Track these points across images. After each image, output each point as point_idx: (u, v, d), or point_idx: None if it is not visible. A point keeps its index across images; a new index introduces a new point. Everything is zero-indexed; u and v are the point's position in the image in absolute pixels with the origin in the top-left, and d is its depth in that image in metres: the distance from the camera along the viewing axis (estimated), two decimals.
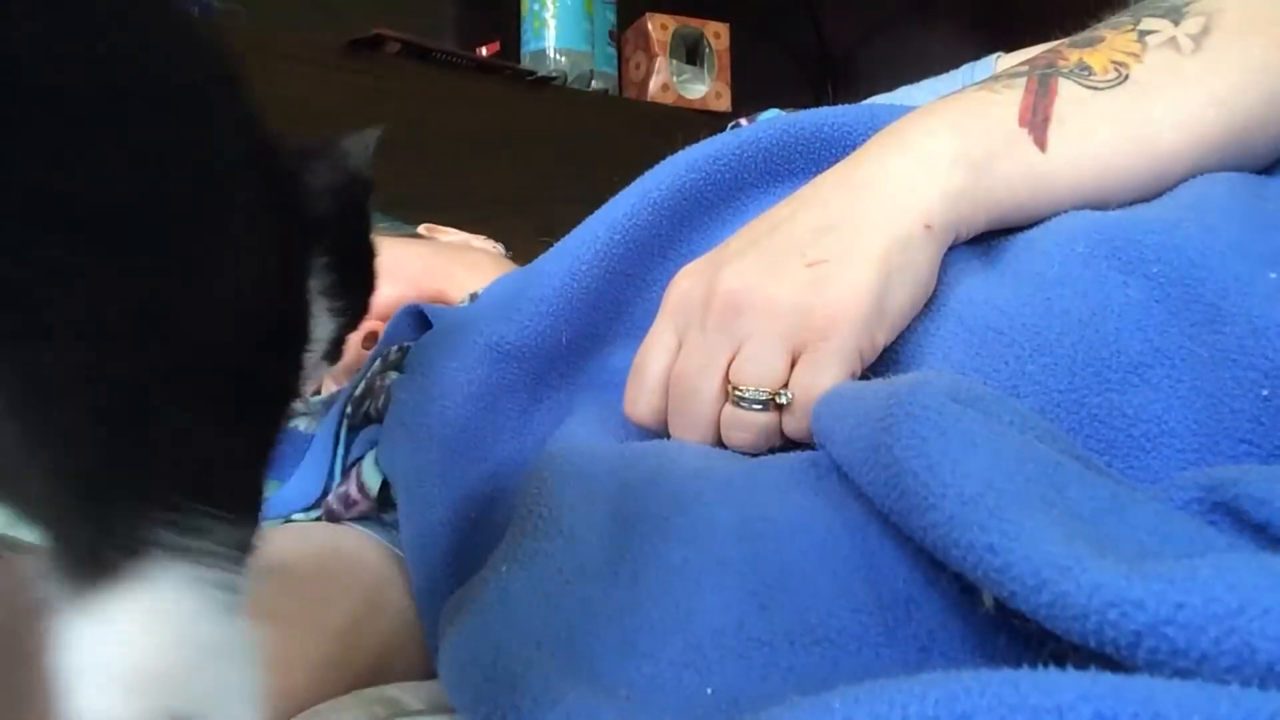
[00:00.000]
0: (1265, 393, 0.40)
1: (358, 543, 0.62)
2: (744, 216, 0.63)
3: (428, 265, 0.95)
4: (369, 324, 0.90)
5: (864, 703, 0.27)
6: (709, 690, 0.36)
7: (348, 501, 0.68)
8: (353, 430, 0.72)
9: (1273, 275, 0.42)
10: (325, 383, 0.90)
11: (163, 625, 0.20)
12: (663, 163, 0.66)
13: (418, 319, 0.77)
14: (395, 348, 0.74)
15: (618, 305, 0.66)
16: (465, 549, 0.57)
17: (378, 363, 0.73)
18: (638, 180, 0.66)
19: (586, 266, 0.64)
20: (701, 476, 0.45)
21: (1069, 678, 0.26)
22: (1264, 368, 0.40)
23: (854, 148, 0.58)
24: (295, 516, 0.70)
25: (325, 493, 0.70)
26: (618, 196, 0.67)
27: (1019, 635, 0.33)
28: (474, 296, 0.82)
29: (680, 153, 0.66)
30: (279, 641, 0.52)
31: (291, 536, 0.63)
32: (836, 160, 0.59)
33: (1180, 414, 0.42)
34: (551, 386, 0.65)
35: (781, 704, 0.29)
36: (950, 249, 0.51)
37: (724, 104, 2.21)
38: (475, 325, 0.65)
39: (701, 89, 2.21)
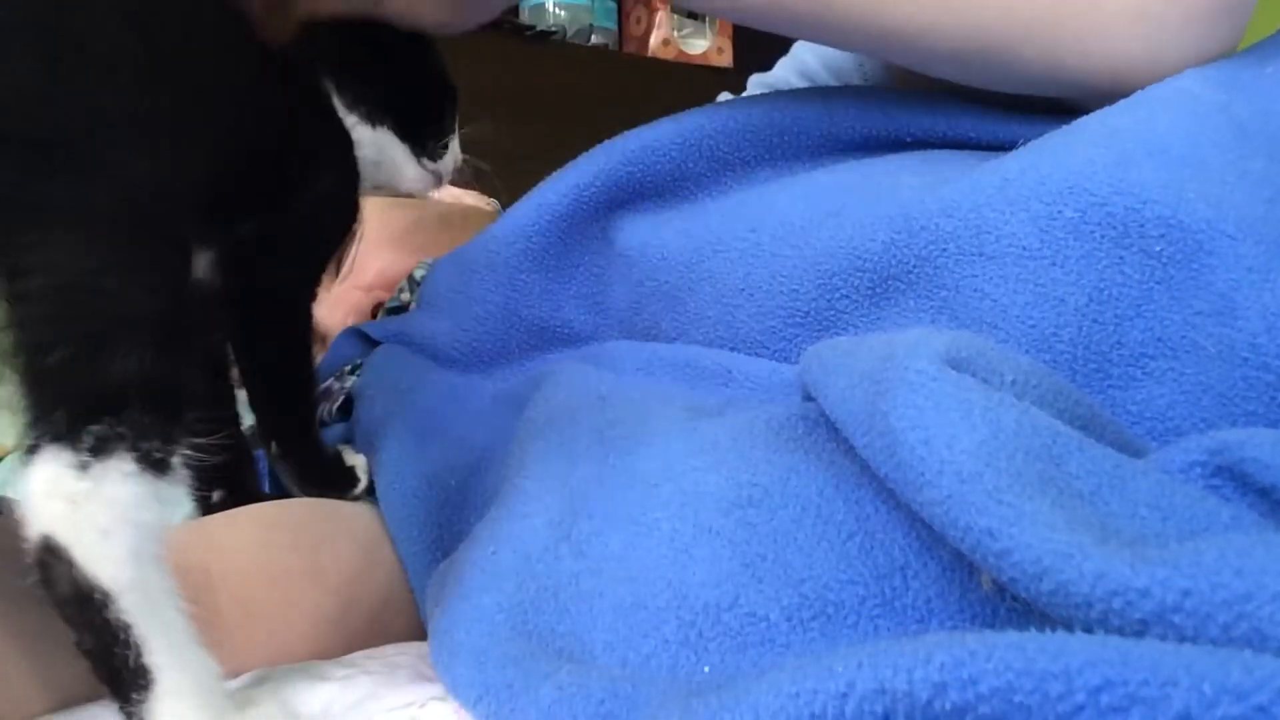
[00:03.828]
0: None
1: (352, 504, 0.62)
2: (688, 201, 0.63)
3: (428, 231, 0.95)
4: (374, 294, 0.90)
5: (868, 667, 0.27)
6: (706, 668, 0.36)
7: None
8: None
9: None
10: None
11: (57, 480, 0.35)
12: (598, 149, 0.66)
13: (360, 338, 0.79)
14: (347, 367, 0.77)
15: (564, 274, 0.67)
16: (448, 515, 0.57)
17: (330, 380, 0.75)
18: (565, 172, 0.66)
19: (525, 276, 0.66)
20: (688, 437, 0.45)
21: (1077, 641, 0.25)
22: None
23: (807, 135, 0.58)
24: None
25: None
26: (545, 189, 0.67)
27: (1020, 600, 0.33)
28: (413, 282, 0.83)
29: (619, 139, 0.65)
30: (278, 593, 0.52)
31: (290, 503, 0.63)
32: (790, 148, 0.59)
33: (1186, 410, 0.41)
34: (511, 365, 0.67)
35: (783, 668, 0.28)
36: (916, 213, 0.50)
37: (726, 60, 2.18)
38: (422, 341, 0.68)
39: (703, 44, 2.18)
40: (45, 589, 0.35)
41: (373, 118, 0.60)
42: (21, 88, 0.37)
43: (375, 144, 0.61)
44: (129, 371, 0.36)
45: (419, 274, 0.84)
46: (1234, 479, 0.33)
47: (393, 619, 0.58)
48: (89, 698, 0.43)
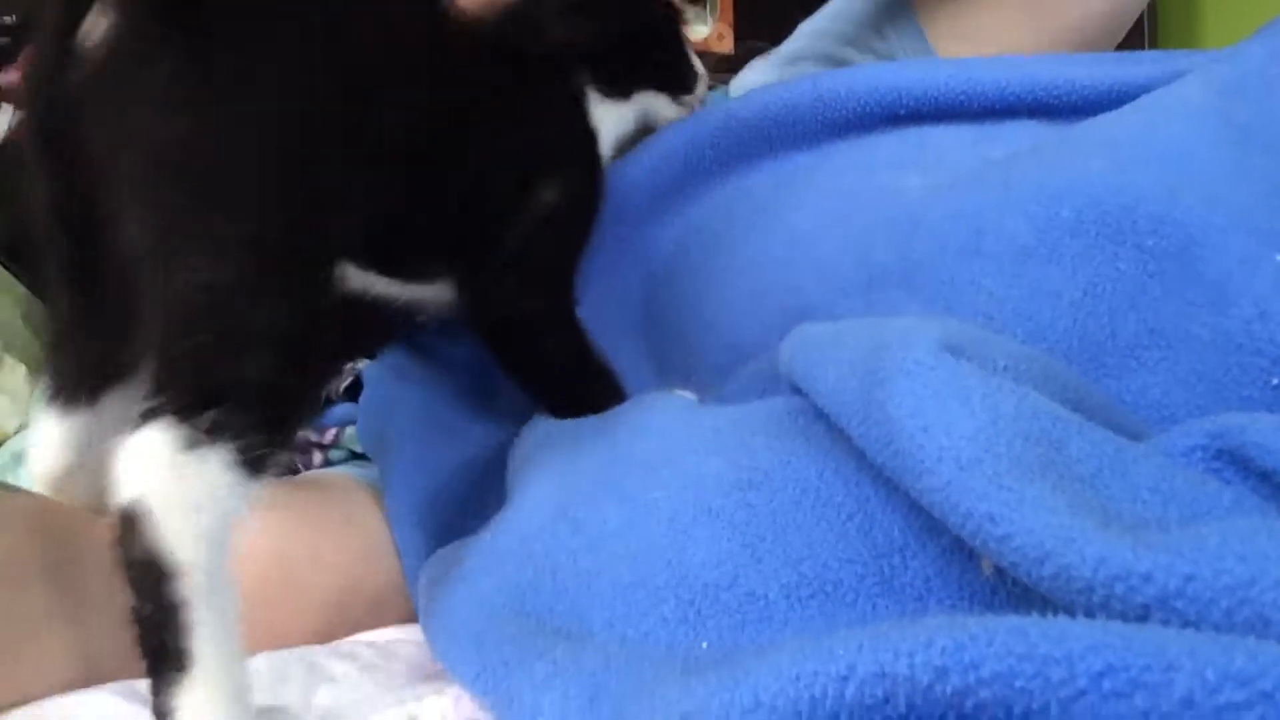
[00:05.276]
0: (1275, 381, 0.40)
1: (354, 490, 0.62)
2: (696, 205, 0.64)
3: None
4: None
5: (868, 650, 0.27)
6: (704, 645, 0.36)
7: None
8: None
9: (1279, 258, 0.41)
10: None
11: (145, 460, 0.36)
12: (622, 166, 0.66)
13: None
14: None
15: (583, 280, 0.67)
16: (451, 515, 0.57)
17: None
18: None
19: None
20: (689, 425, 0.45)
21: (1078, 626, 0.25)
22: (1273, 354, 0.40)
23: (802, 123, 0.60)
24: None
25: None
26: None
27: (1020, 584, 0.33)
28: None
29: (630, 163, 0.66)
30: (279, 576, 0.53)
31: (287, 484, 0.63)
32: (789, 138, 0.60)
33: (1181, 398, 0.42)
34: None
35: (783, 649, 0.28)
36: (921, 217, 0.51)
37: (726, 45, 2.17)
38: (441, 348, 0.68)
39: (704, 30, 2.17)
40: (120, 548, 0.36)
41: (629, 92, 0.61)
42: (191, 136, 0.39)
43: (635, 110, 0.63)
44: (252, 374, 0.38)
45: None
46: (1235, 463, 0.33)
47: (394, 605, 0.58)
48: (115, 676, 0.44)
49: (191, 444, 0.36)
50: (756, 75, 0.84)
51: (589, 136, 0.60)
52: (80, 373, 0.43)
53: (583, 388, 0.57)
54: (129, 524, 0.36)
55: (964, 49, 0.76)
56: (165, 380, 0.37)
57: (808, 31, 0.85)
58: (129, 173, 0.39)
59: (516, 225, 0.55)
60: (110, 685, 0.43)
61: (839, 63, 0.80)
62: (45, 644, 0.44)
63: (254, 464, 0.38)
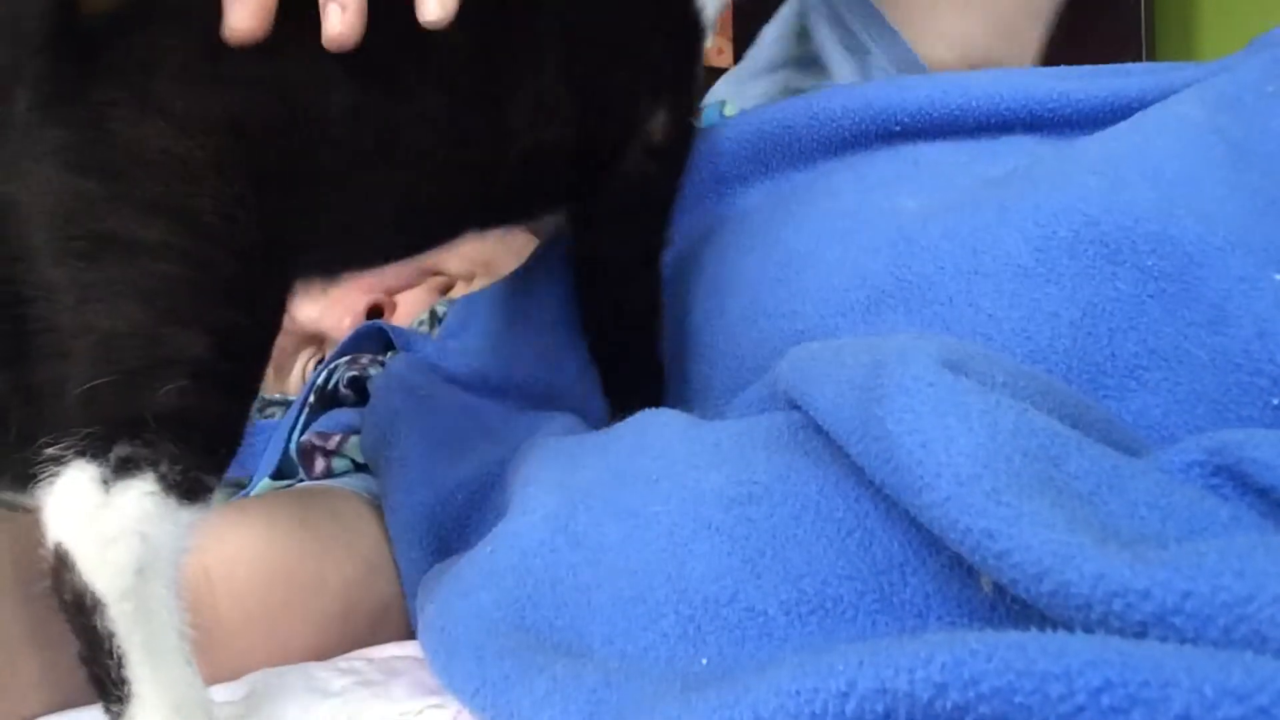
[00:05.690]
0: (1276, 401, 0.40)
1: (358, 507, 0.62)
2: (693, 226, 0.65)
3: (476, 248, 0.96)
4: (372, 294, 0.90)
5: (869, 666, 0.27)
6: (704, 661, 0.36)
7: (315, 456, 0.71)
8: (315, 409, 0.75)
9: (1278, 277, 0.41)
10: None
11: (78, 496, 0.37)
12: None
13: (379, 337, 0.80)
14: (368, 357, 0.77)
15: None
16: (451, 531, 0.57)
17: (320, 376, 0.76)
18: None
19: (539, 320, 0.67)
20: (689, 440, 0.45)
21: (1077, 642, 0.26)
22: (1272, 374, 0.40)
23: (798, 142, 0.60)
24: (263, 484, 0.71)
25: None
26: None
27: (1019, 601, 0.33)
28: (434, 317, 0.83)
29: None
30: (278, 596, 0.53)
31: (294, 501, 0.63)
32: (785, 157, 0.61)
33: (1181, 418, 0.42)
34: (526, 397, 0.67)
35: (783, 665, 0.28)
36: (918, 236, 0.51)
37: (726, 60, 2.18)
38: (455, 371, 0.68)
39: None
40: (55, 596, 0.37)
41: None
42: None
43: None
44: (167, 404, 0.38)
45: (441, 309, 0.85)
46: (1233, 479, 0.33)
47: (393, 624, 0.58)
48: (89, 701, 0.44)
49: (103, 480, 0.37)
50: (729, 86, 0.85)
51: (693, 51, 0.59)
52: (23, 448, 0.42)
53: (640, 351, 0.59)
54: (58, 566, 0.37)
55: (926, 23, 0.77)
56: (71, 422, 0.37)
57: (771, 39, 0.86)
58: (35, 233, 0.39)
59: (627, 156, 0.56)
60: (96, 706, 0.44)
61: (809, 65, 0.80)
62: (23, 667, 0.45)
63: (183, 489, 0.38)
